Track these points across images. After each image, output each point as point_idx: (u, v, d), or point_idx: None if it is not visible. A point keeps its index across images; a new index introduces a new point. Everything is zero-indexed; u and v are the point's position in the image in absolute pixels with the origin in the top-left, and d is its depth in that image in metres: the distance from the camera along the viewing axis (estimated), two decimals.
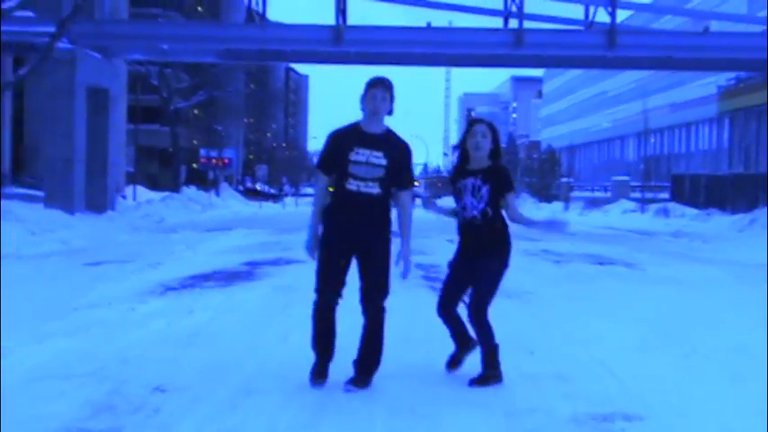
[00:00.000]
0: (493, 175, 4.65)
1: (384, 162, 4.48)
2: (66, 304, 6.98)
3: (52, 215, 19.97)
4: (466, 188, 4.68)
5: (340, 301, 4.53)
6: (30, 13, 22.69)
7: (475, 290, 4.65)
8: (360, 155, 4.46)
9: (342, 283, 4.51)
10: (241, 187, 66.98)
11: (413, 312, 6.81)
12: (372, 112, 4.52)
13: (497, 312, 4.51)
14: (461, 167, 4.79)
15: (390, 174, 4.49)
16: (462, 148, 4.78)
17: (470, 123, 4.89)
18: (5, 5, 20.45)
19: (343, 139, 4.54)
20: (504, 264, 4.68)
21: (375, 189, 4.47)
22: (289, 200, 61.67)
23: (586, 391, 4.43)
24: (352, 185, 4.45)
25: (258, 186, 69.53)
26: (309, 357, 4.57)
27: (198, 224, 23.63)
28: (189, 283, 9.02)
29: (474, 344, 4.71)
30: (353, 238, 4.47)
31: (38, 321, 6.03)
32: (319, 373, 4.48)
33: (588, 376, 4.76)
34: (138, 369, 4.69)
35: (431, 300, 8.15)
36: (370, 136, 4.52)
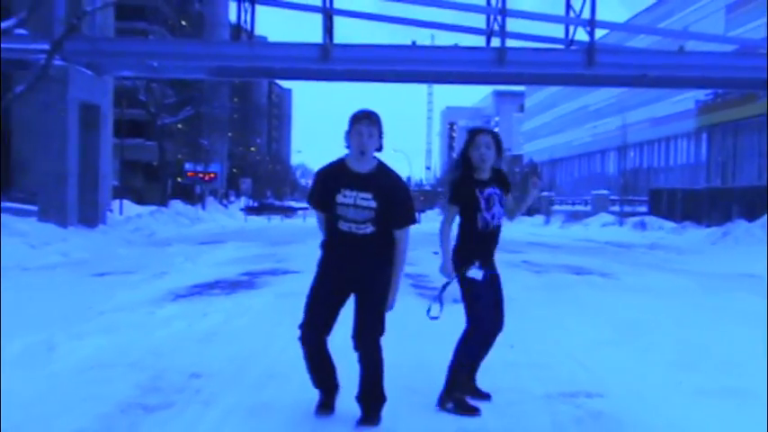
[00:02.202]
0: (500, 181, 4.65)
1: (373, 204, 4.16)
2: (91, 309, 7.70)
3: (47, 229, 20.51)
4: (492, 198, 4.56)
5: (328, 338, 4.34)
6: (23, 31, 23.28)
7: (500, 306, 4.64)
8: (347, 197, 4.17)
9: (332, 321, 4.29)
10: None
11: (404, 316, 7.55)
12: (359, 152, 4.16)
13: None
14: (471, 176, 4.60)
15: (382, 213, 4.18)
16: (465, 158, 4.60)
17: (473, 133, 4.65)
18: (5, 25, 21.12)
19: (330, 180, 4.25)
20: None
21: (368, 229, 4.18)
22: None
23: (557, 375, 5.23)
24: (344, 226, 4.20)
25: (244, 201, 69.88)
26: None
27: (189, 237, 24.26)
28: (196, 291, 9.75)
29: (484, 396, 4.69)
30: (348, 277, 4.23)
31: (70, 323, 6.73)
32: (325, 407, 4.40)
33: (559, 365, 5.57)
34: (172, 360, 5.45)
35: (419, 305, 8.96)
36: (357, 176, 4.19)
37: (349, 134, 4.18)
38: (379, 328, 4.27)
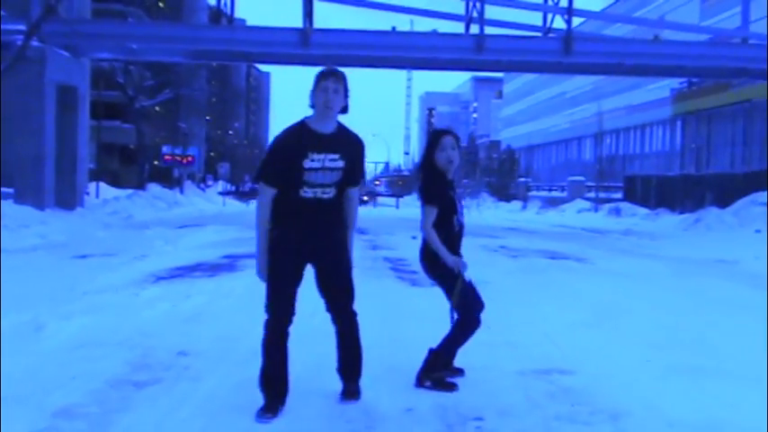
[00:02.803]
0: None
1: (341, 165, 4.10)
2: (74, 290, 7.80)
3: (24, 211, 20.44)
4: (459, 199, 4.68)
5: (291, 324, 4.20)
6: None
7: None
8: (315, 161, 4.03)
9: (295, 300, 4.16)
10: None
11: (384, 296, 7.80)
12: (325, 107, 4.05)
13: None
14: (444, 178, 4.61)
15: (346, 174, 4.15)
16: (429, 161, 4.59)
17: (436, 135, 4.66)
18: None
19: (293, 145, 4.06)
20: None
21: (332, 192, 4.12)
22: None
23: (531, 354, 5.44)
24: (308, 193, 4.07)
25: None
26: (302, 326, 4.44)
27: (167, 221, 24.26)
28: (177, 274, 9.86)
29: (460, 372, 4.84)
30: (309, 247, 4.13)
31: (56, 303, 6.84)
32: (271, 409, 4.06)
33: (534, 344, 5.77)
34: (159, 339, 5.59)
35: (398, 287, 9.18)
36: (322, 137, 4.08)
37: (314, 92, 4.09)
38: (352, 291, 4.30)
